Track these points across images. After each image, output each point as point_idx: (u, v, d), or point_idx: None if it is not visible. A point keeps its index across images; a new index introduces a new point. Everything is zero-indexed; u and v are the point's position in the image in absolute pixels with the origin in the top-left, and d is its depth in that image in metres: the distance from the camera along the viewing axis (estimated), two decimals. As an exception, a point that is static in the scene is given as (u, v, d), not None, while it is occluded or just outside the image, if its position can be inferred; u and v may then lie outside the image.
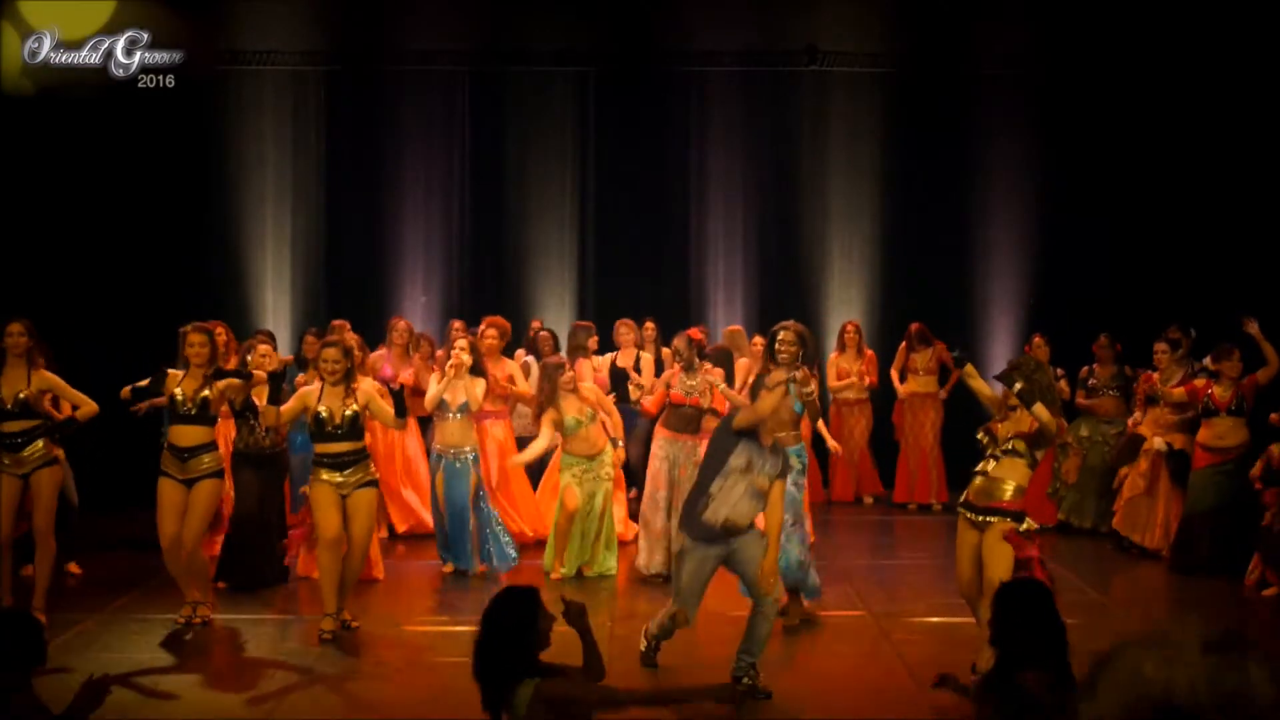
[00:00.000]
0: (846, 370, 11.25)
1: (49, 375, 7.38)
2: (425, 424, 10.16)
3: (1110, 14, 11.76)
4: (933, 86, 12.50)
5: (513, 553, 8.62)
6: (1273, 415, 8.46)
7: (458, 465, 8.45)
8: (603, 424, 8.65)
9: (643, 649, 6.57)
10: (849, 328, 11.42)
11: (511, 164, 12.65)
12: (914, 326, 11.21)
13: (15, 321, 7.32)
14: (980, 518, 6.13)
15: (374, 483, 7.32)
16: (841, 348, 11.39)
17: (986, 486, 6.14)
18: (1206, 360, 8.84)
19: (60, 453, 7.53)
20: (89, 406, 7.41)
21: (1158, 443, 9.11)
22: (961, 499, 6.31)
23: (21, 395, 7.28)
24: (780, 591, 6.44)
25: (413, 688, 6.36)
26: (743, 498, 6.08)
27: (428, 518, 9.27)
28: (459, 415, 8.47)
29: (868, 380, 11.27)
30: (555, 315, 12.01)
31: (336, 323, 9.91)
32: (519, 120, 12.61)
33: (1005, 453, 6.11)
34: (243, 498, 8.15)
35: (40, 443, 7.34)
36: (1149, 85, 11.99)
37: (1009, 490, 6.09)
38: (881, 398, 11.47)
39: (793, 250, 12.71)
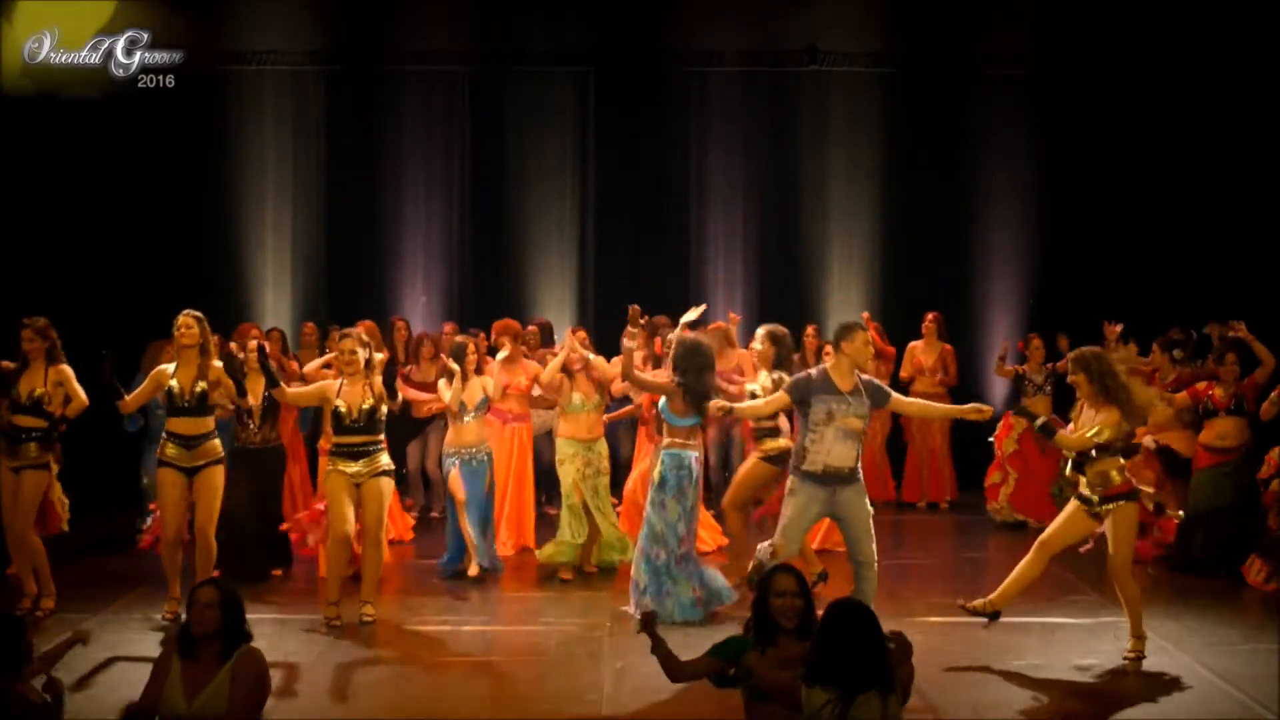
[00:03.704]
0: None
1: (64, 369, 7.48)
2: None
3: (1110, 14, 11.77)
4: (933, 86, 12.52)
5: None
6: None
7: (474, 465, 8.48)
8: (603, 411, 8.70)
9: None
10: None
11: (511, 164, 12.65)
12: (931, 316, 11.12)
13: (28, 327, 7.43)
14: (1104, 506, 6.75)
15: (388, 473, 7.41)
16: None
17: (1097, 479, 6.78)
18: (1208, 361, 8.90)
19: (54, 463, 7.53)
20: (78, 402, 7.48)
21: (1147, 441, 9.12)
22: (1091, 497, 6.81)
23: (37, 393, 7.39)
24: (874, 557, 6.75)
25: (414, 687, 6.36)
26: (835, 442, 6.60)
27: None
28: (475, 415, 8.50)
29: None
30: (555, 315, 12.00)
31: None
32: (519, 120, 12.61)
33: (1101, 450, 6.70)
34: (234, 496, 8.11)
35: (34, 445, 7.41)
36: (1149, 85, 12.01)
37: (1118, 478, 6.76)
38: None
39: (793, 250, 12.71)
